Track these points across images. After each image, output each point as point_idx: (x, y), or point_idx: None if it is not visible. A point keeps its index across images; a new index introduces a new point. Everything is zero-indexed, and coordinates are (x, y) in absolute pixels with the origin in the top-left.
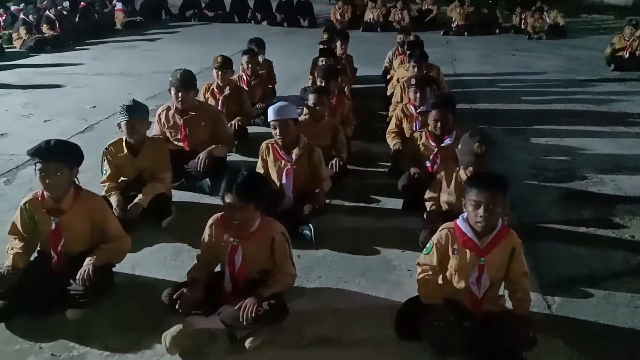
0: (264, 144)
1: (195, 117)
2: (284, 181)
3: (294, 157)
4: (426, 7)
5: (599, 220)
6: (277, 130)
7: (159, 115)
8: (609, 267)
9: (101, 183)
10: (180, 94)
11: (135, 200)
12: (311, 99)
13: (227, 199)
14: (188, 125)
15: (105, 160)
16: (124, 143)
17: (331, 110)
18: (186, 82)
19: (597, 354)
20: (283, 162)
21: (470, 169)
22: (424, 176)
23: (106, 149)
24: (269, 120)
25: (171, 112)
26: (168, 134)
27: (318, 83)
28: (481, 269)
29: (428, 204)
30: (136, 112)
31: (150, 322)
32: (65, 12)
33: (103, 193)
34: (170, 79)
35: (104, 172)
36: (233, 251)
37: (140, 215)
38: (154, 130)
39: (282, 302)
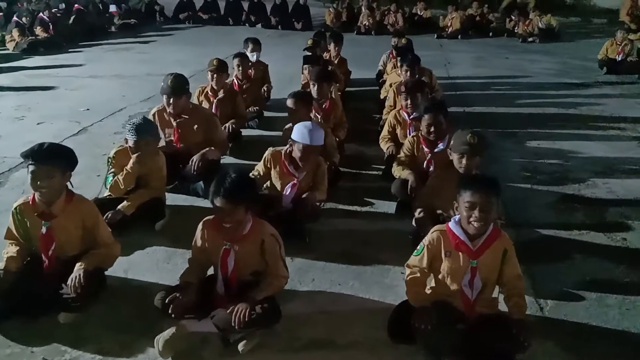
0: (270, 155)
1: (189, 120)
2: (286, 192)
3: (302, 174)
4: (418, 11)
5: (591, 223)
6: (304, 153)
7: (154, 114)
8: (600, 270)
9: (106, 195)
10: (171, 100)
11: (118, 207)
12: (288, 102)
13: (217, 203)
14: (181, 128)
15: (112, 174)
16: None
17: (324, 114)
18: (177, 88)
19: (589, 355)
20: (290, 176)
21: (464, 161)
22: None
23: (113, 158)
24: (299, 140)
25: (165, 113)
26: (162, 134)
27: (311, 86)
28: (473, 272)
29: (417, 211)
30: (145, 132)
31: (143, 326)
32: (59, 14)
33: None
34: (162, 84)
35: (108, 182)
36: (226, 254)
37: (120, 222)
38: None
39: (275, 305)
